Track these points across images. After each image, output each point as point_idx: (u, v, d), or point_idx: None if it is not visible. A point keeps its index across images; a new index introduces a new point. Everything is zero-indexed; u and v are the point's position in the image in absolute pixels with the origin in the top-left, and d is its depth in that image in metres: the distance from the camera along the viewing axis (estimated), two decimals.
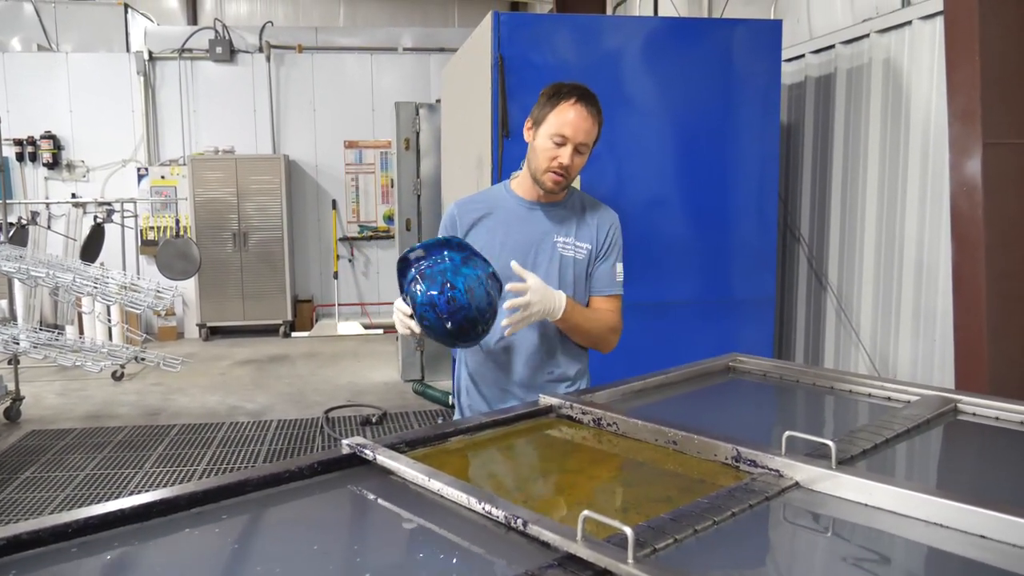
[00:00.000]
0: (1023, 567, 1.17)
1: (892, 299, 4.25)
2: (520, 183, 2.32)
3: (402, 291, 2.08)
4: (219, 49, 9.47)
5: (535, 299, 2.08)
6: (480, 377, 2.37)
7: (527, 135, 2.25)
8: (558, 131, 2.14)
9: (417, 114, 6.96)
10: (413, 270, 2.03)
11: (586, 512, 1.13)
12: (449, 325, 1.97)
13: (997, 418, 1.91)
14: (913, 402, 2.00)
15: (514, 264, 2.11)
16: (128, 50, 9.53)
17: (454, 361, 2.61)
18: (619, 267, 2.35)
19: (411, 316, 2.05)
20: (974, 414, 1.95)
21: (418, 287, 2.00)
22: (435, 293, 1.96)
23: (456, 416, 2.45)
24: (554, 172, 2.18)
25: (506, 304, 2.07)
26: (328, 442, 5.59)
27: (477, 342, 2.10)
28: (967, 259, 3.04)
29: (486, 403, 2.35)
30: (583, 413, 1.88)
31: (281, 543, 1.31)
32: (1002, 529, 1.22)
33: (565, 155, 2.15)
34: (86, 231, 7.44)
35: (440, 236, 2.09)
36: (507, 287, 2.09)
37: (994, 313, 2.99)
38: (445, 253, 2.02)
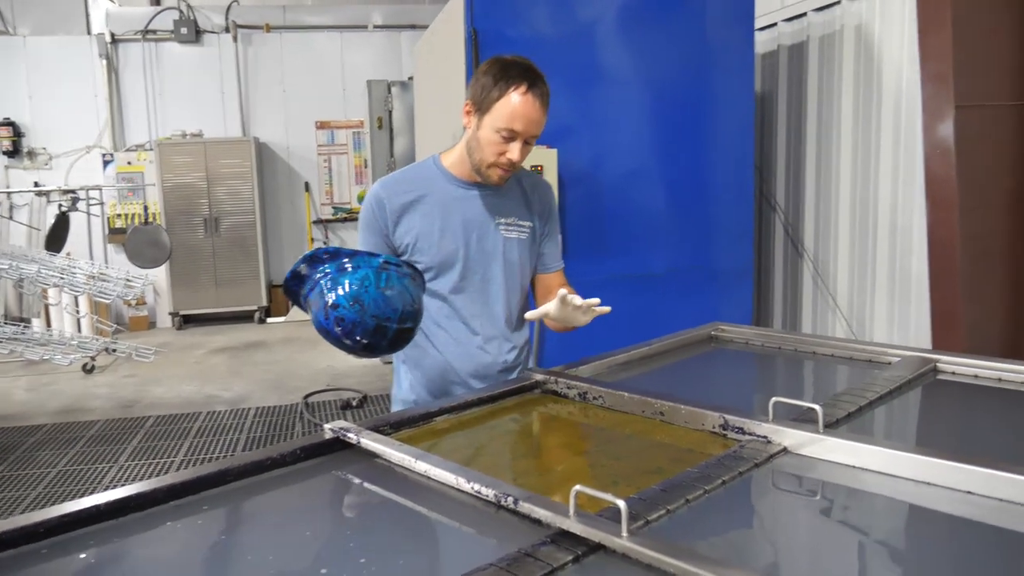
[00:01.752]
0: (1010, 521, 1.19)
1: (868, 263, 4.28)
2: (456, 163, 2.08)
3: None
4: (184, 30, 9.28)
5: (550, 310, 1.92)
6: (430, 374, 2.13)
7: (466, 119, 2.02)
8: (507, 124, 1.91)
9: (389, 92, 6.89)
10: (301, 300, 1.78)
11: (578, 487, 1.11)
12: (354, 345, 1.71)
13: (976, 376, 1.93)
14: (894, 363, 2.01)
15: (528, 315, 1.96)
16: (89, 32, 9.29)
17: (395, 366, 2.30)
18: (559, 238, 2.26)
19: None
20: (953, 373, 1.97)
21: (310, 317, 1.76)
22: (322, 319, 1.70)
23: None
24: (501, 168, 1.98)
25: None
26: (309, 428, 5.55)
27: (410, 338, 1.79)
28: (941, 221, 3.06)
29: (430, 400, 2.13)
30: (568, 387, 1.87)
31: (270, 532, 1.29)
32: (989, 484, 1.24)
33: (515, 151, 1.94)
34: (50, 220, 7.28)
35: (304, 254, 1.74)
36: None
37: (968, 273, 3.02)
38: (318, 269, 1.72)
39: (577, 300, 1.88)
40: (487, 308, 2.11)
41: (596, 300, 1.91)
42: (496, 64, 1.95)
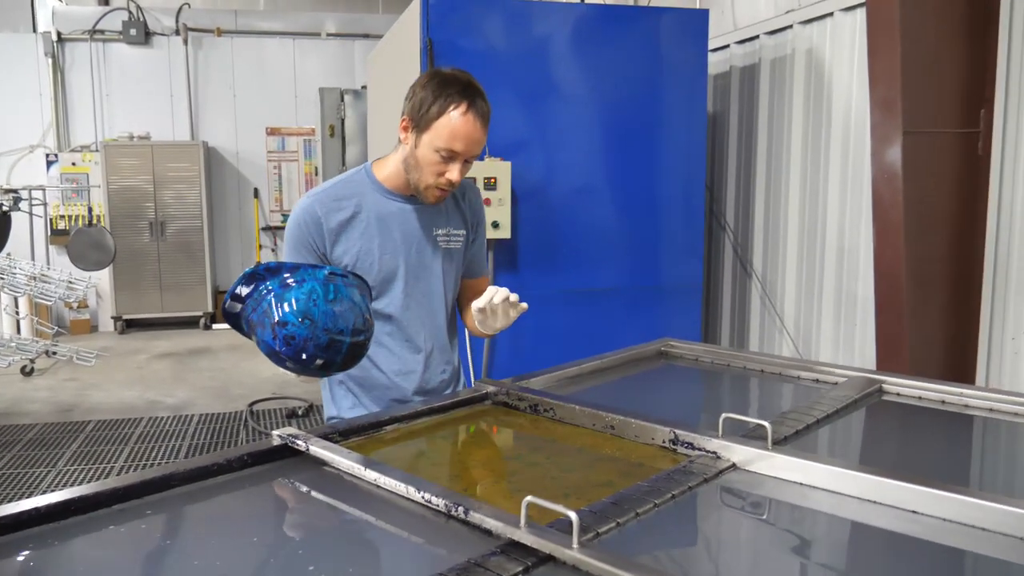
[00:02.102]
0: (955, 540, 1.21)
1: (815, 285, 4.36)
2: (390, 176, 2.00)
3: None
4: (133, 31, 9.11)
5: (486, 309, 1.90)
6: (370, 390, 2.07)
7: (403, 136, 1.94)
8: (446, 145, 1.84)
9: (342, 100, 6.85)
10: (243, 324, 1.66)
11: (529, 498, 1.11)
12: (308, 363, 1.58)
13: (920, 397, 1.97)
14: (840, 383, 2.04)
15: (474, 305, 1.91)
16: (35, 30, 9.08)
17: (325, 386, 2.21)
18: (485, 242, 2.25)
19: None
20: (898, 394, 2.00)
21: (255, 340, 1.63)
22: (269, 339, 1.57)
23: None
24: (441, 189, 1.93)
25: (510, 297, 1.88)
26: (253, 436, 5.46)
27: (364, 352, 1.67)
28: (888, 244, 3.13)
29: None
30: (519, 399, 1.86)
31: (216, 538, 1.26)
32: (933, 504, 1.26)
33: (455, 172, 1.88)
34: None
35: (244, 272, 1.64)
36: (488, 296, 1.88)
37: (913, 297, 3.10)
38: (260, 287, 1.61)
39: (513, 296, 1.87)
40: (431, 321, 2.09)
41: (516, 296, 1.90)
42: (435, 79, 1.88)
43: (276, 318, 1.56)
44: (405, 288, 2.03)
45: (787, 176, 4.54)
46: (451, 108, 1.83)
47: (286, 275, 1.60)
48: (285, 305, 1.56)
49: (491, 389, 1.92)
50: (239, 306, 1.63)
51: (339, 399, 2.12)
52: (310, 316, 1.55)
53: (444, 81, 1.86)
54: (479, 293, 1.99)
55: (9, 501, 4.14)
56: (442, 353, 2.13)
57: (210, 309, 9.14)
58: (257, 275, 1.62)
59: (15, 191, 7.25)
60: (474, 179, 3.08)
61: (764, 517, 1.37)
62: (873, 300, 3.56)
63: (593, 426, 1.70)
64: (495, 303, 1.88)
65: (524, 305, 1.92)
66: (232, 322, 1.68)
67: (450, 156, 1.87)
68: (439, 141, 1.85)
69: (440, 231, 2.06)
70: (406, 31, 4.21)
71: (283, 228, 9.65)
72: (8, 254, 6.29)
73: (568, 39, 4.07)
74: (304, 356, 1.57)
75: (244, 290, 1.62)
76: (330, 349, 1.57)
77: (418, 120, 1.88)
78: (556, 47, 4.06)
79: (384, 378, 2.05)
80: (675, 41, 4.23)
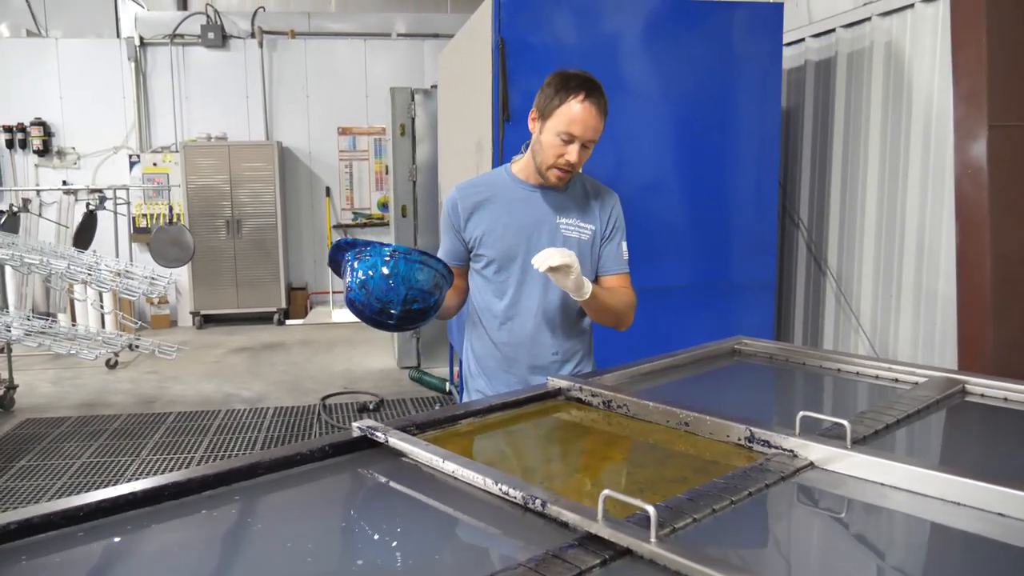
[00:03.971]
0: None
1: (892, 283, 4.25)
2: (522, 168, 2.29)
3: None
4: (211, 35, 9.37)
5: (574, 263, 2.03)
6: (485, 359, 2.36)
7: (532, 126, 2.22)
8: (566, 129, 2.10)
9: (413, 99, 6.92)
10: (342, 275, 2.05)
11: (607, 491, 1.11)
12: (367, 321, 1.97)
13: (1005, 399, 1.91)
14: (920, 383, 1.99)
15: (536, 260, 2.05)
16: (118, 36, 9.41)
17: (451, 347, 2.64)
18: (624, 245, 2.37)
19: None
20: (982, 395, 1.94)
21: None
22: (345, 298, 1.99)
23: (464, 398, 2.44)
24: (560, 169, 2.17)
25: (547, 255, 2.02)
26: (326, 428, 5.57)
27: (422, 319, 2.01)
28: (971, 242, 3.04)
29: (491, 387, 2.35)
30: (592, 395, 1.87)
31: (302, 523, 1.30)
32: (1019, 506, 1.22)
33: (572, 153, 2.13)
34: (78, 218, 7.36)
35: (336, 241, 2.06)
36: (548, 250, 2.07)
37: (997, 295, 2.99)
38: (346, 256, 1.99)
39: (543, 265, 2.02)
40: (546, 300, 2.27)
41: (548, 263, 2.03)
42: (559, 76, 2.15)
43: (347, 282, 1.96)
44: (523, 265, 2.24)
45: (864, 171, 4.43)
46: (571, 98, 2.10)
47: (360, 249, 1.96)
48: (351, 274, 1.95)
49: (564, 385, 1.94)
50: (335, 265, 2.04)
51: (467, 365, 2.47)
52: (366, 286, 1.92)
53: (567, 76, 2.14)
54: (611, 290, 2.27)
55: (98, 488, 4.32)
56: (554, 334, 2.30)
57: (283, 305, 9.35)
58: (340, 246, 2.01)
59: (100, 191, 7.55)
60: None
61: (842, 517, 1.35)
62: (954, 299, 3.46)
63: (667, 423, 1.70)
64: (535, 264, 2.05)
65: (550, 264, 2.01)
66: (336, 272, 2.07)
67: (569, 139, 2.12)
68: (560, 126, 2.11)
69: (564, 219, 2.27)
70: (477, 30, 4.24)
71: (354, 226, 9.87)
72: (94, 251, 6.55)
73: (640, 34, 4.05)
74: (364, 316, 1.95)
75: (337, 254, 2.01)
76: (381, 313, 1.94)
77: (544, 109, 2.15)
78: (627, 43, 4.04)
79: (496, 348, 2.32)
80: (749, 35, 4.16)
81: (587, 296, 2.12)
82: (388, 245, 1.96)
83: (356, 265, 1.94)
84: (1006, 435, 1.79)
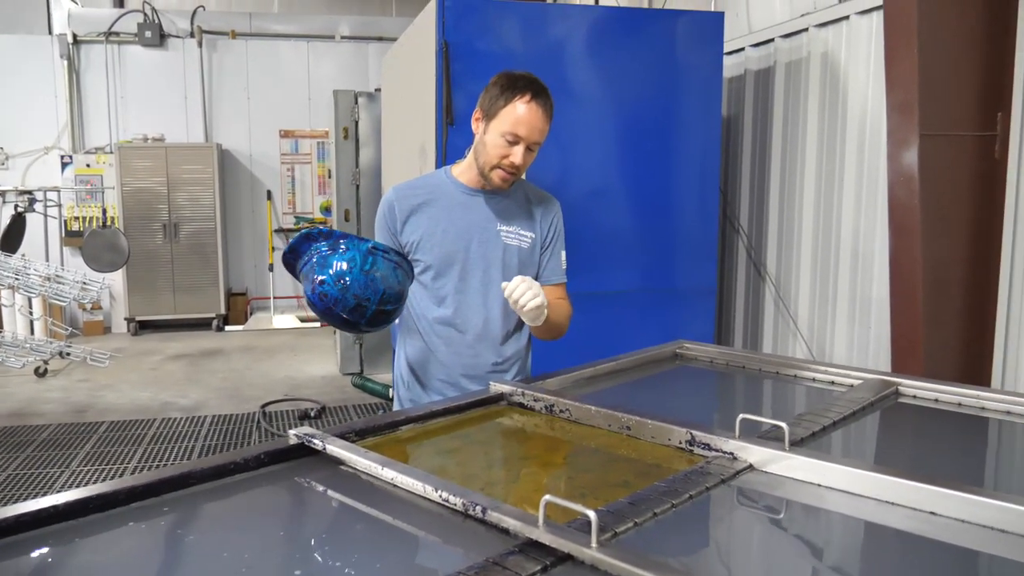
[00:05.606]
0: (972, 541, 1.20)
1: (829, 287, 4.34)
2: (464, 171, 2.23)
3: None
4: (148, 33, 9.17)
5: (545, 302, 2.02)
6: (421, 368, 2.27)
7: (475, 126, 2.16)
8: (511, 130, 2.06)
9: (356, 103, 6.86)
10: (297, 272, 1.93)
11: (548, 497, 1.10)
12: (334, 319, 1.86)
13: (936, 400, 1.96)
14: (856, 386, 2.03)
15: (505, 285, 2.04)
16: (51, 32, 9.14)
17: (394, 352, 2.51)
18: (563, 255, 2.33)
19: None
20: (915, 396, 1.99)
21: (302, 287, 1.92)
22: (309, 292, 1.86)
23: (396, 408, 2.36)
24: (503, 169, 2.11)
25: (524, 295, 2.00)
26: (265, 437, 5.47)
27: (388, 320, 1.93)
28: (904, 247, 3.12)
29: (427, 395, 2.27)
30: (535, 400, 1.86)
31: (235, 535, 1.26)
32: (951, 505, 1.25)
33: (517, 154, 2.08)
34: (5, 221, 7.12)
35: (300, 232, 1.91)
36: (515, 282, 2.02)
37: (929, 300, 3.08)
38: (312, 247, 1.87)
39: (519, 300, 2.00)
40: (485, 308, 2.21)
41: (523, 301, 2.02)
42: (505, 76, 2.12)
43: (318, 278, 1.82)
44: (462, 272, 2.19)
45: (801, 179, 4.52)
46: (517, 98, 2.06)
47: (337, 240, 1.85)
48: (327, 267, 1.82)
49: (507, 390, 1.92)
50: (295, 259, 1.90)
51: (399, 372, 2.36)
52: (343, 280, 1.81)
53: (514, 77, 2.11)
54: (553, 306, 2.17)
55: (23, 501, 4.16)
56: (493, 343, 2.24)
57: (223, 311, 9.17)
58: (312, 236, 1.87)
59: (30, 192, 7.32)
60: None
61: (781, 518, 1.36)
62: (888, 303, 3.55)
63: (609, 427, 1.70)
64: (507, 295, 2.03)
65: (530, 305, 2.01)
66: (290, 271, 1.95)
67: (514, 140, 2.07)
68: (504, 126, 2.06)
69: (505, 226, 2.22)
70: (422, 33, 4.22)
71: (296, 230, 9.73)
72: (23, 255, 6.33)
73: (583, 42, 4.07)
74: (333, 313, 1.84)
75: (298, 248, 1.89)
76: (356, 311, 1.83)
77: (488, 109, 2.11)
78: (571, 50, 4.06)
79: (434, 357, 2.24)
80: (690, 44, 4.22)
81: (542, 322, 2.08)
82: (368, 240, 1.88)
83: (332, 258, 1.82)
84: (938, 435, 1.84)
